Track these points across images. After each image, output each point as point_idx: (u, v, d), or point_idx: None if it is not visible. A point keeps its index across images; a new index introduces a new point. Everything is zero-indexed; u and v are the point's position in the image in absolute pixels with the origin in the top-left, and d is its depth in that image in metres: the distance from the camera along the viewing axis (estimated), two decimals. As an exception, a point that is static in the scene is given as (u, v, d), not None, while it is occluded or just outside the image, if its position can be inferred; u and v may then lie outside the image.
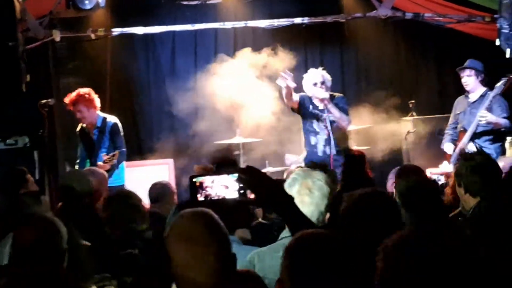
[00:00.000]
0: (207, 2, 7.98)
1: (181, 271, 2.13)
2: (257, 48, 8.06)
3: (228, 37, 9.07)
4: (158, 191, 5.45)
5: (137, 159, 8.55)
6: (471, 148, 6.42)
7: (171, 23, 8.39)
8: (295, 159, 7.48)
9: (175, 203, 5.24)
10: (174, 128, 9.08)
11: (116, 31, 7.94)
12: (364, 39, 9.03)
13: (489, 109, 6.64)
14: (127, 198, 4.14)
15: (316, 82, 6.66)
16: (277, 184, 2.46)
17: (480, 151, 4.70)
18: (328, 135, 6.58)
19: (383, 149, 8.12)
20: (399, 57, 9.36)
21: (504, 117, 6.68)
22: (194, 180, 2.41)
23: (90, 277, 3.12)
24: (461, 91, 7.16)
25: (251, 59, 7.87)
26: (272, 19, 8.09)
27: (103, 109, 7.09)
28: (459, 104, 7.13)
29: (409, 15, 7.79)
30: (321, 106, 6.63)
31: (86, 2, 6.90)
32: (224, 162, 3.76)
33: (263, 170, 5.91)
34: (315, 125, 6.71)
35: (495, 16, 7.18)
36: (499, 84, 6.63)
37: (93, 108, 6.87)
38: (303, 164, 6.45)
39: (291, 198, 2.43)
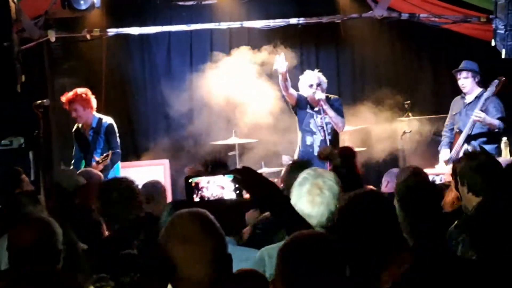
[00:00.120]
0: (203, 3, 7.97)
1: (177, 271, 2.13)
2: (252, 49, 8.06)
3: (224, 38, 9.05)
4: (149, 191, 5.39)
5: (132, 159, 8.54)
6: (470, 149, 6.41)
7: (167, 24, 8.38)
8: (291, 160, 7.47)
9: (167, 201, 5.21)
10: (170, 129, 9.06)
11: (112, 31, 7.93)
12: (360, 39, 9.02)
13: (485, 110, 6.64)
14: (120, 183, 4.02)
15: (312, 84, 6.76)
16: (273, 184, 2.45)
17: (483, 150, 4.70)
18: (324, 135, 6.63)
19: (379, 149, 8.14)
20: (395, 58, 9.35)
21: (499, 118, 6.68)
22: (190, 180, 2.41)
23: (88, 278, 3.11)
24: (457, 91, 7.16)
25: (247, 59, 7.87)
26: (268, 19, 8.07)
27: (98, 110, 7.09)
28: (455, 104, 7.12)
29: (404, 16, 7.80)
30: (317, 108, 6.69)
31: (82, 2, 6.89)
32: (215, 164, 3.75)
33: (259, 171, 5.90)
34: (312, 125, 6.78)
35: (491, 16, 7.19)
36: (491, 87, 6.63)
37: (89, 108, 6.86)
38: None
39: (287, 199, 2.42)
